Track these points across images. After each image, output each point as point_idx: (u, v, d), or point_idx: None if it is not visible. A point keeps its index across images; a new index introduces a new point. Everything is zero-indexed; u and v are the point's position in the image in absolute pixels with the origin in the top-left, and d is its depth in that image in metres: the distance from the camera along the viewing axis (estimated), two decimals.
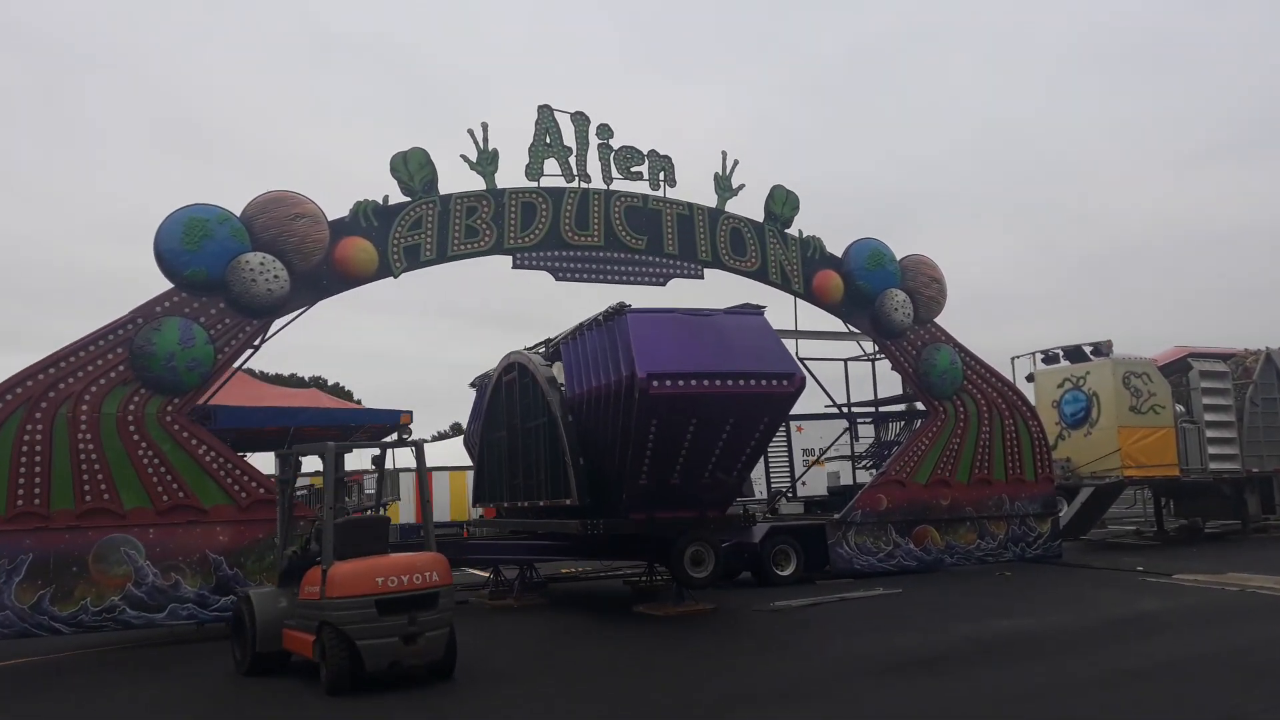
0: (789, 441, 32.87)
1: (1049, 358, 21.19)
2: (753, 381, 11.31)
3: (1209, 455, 20.27)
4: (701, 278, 15.85)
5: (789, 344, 17.82)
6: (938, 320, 17.64)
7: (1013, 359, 21.56)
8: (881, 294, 17.01)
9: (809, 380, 17.11)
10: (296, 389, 35.67)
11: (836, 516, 16.39)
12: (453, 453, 27.65)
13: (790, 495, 25.54)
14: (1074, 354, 20.72)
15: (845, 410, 19.20)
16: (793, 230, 16.67)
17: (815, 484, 26.38)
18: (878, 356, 18.19)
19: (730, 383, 11.20)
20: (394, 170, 14.00)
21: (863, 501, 16.44)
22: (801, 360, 17.01)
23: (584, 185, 15.11)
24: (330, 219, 13.54)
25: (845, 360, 19.11)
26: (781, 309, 17.03)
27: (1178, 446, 19.90)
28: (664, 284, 15.59)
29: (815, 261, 16.76)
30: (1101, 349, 20.31)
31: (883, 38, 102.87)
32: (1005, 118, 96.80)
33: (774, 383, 11.43)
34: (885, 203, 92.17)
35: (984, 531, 17.22)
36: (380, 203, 13.86)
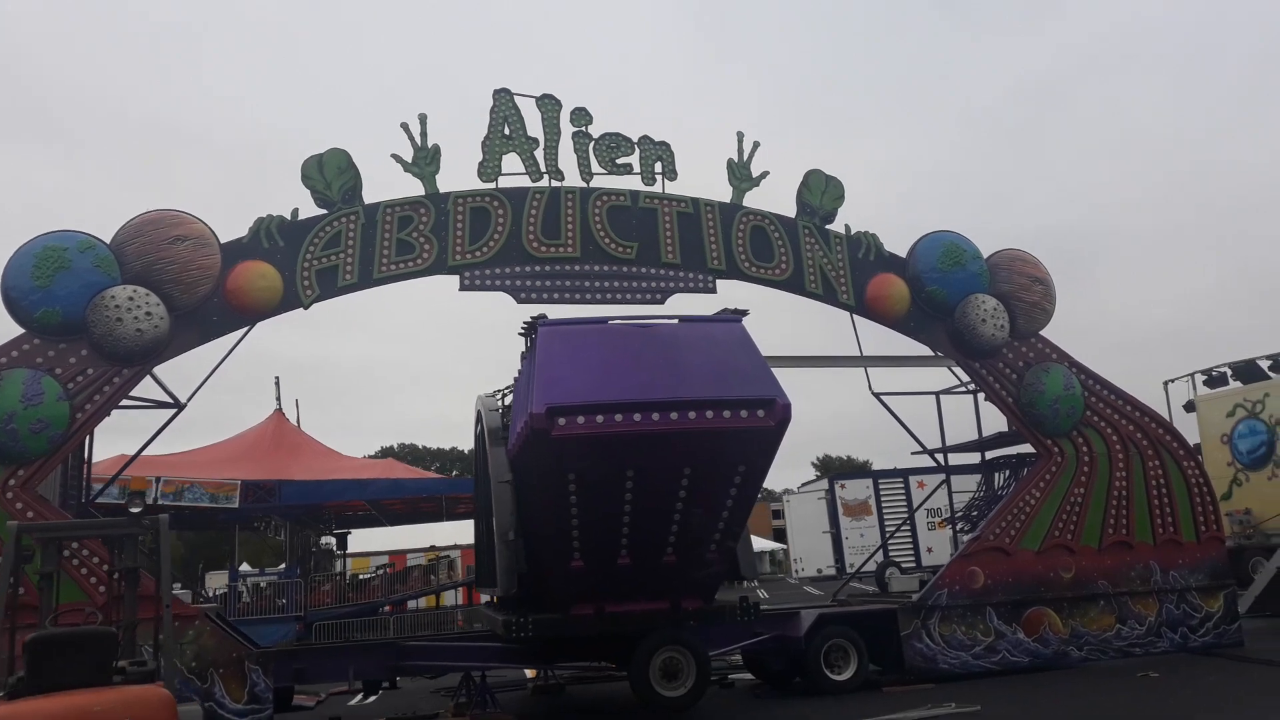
0: (908, 499, 28.51)
1: (1213, 379, 16.48)
2: (711, 413, 7.83)
3: None
4: (713, 291, 12.41)
5: (848, 373, 14.13)
6: (1044, 334, 13.48)
7: (1165, 383, 16.97)
8: (962, 301, 13.05)
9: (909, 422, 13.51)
10: (374, 460, 33.84)
11: (914, 599, 12.37)
12: None
13: (900, 568, 21.36)
14: (1247, 371, 15.95)
15: (937, 455, 15.12)
16: (836, 226, 13.02)
17: (942, 550, 22.17)
18: (973, 388, 14.12)
19: (676, 416, 7.75)
20: (306, 177, 11.33)
21: (949, 578, 12.37)
22: (877, 395, 13.33)
23: (555, 184, 12.04)
24: (226, 241, 10.96)
25: (936, 394, 15.10)
26: (835, 331, 13.35)
27: None
28: (662, 301, 12.22)
29: (869, 264, 13.02)
30: None
31: (1048, 71, 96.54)
32: (1191, 145, 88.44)
33: (743, 414, 7.90)
34: (1059, 241, 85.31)
35: (1125, 613, 12.77)
36: (288, 218, 11.20)
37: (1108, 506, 13.01)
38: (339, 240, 11.24)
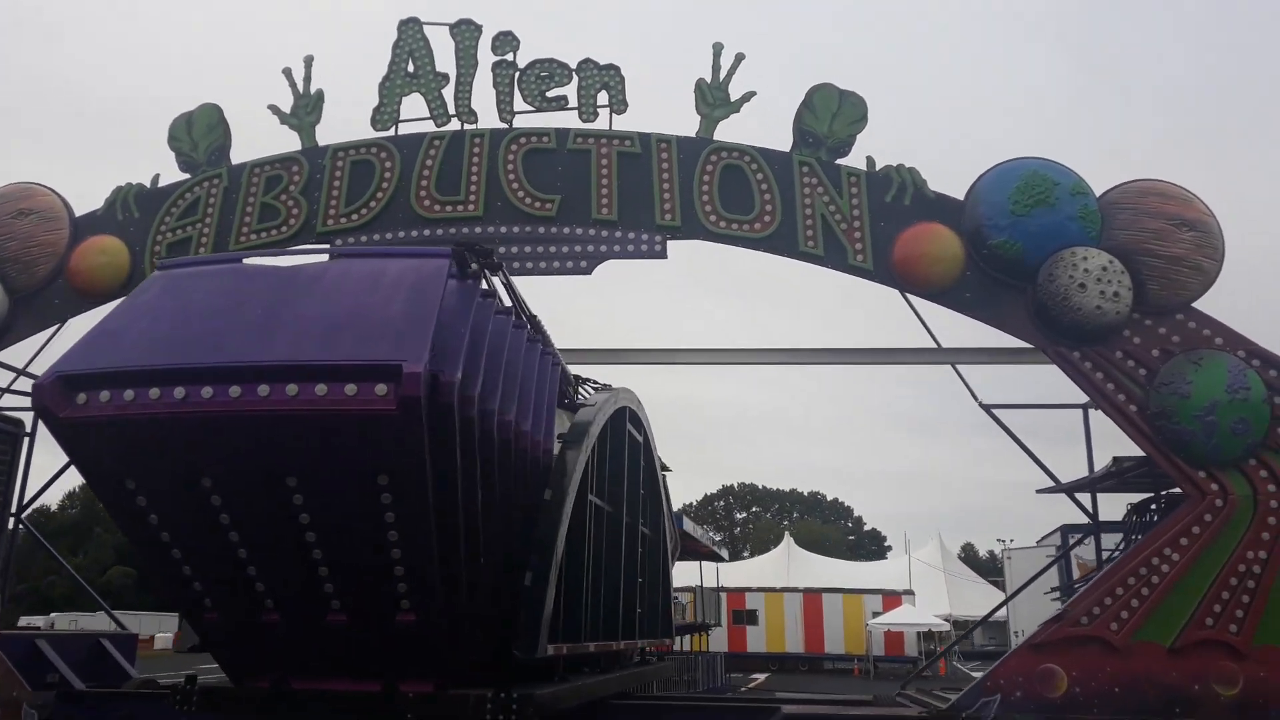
0: (1065, 547, 21.58)
1: None
2: (295, 389, 4.91)
3: None
4: (662, 255, 9.17)
5: (934, 370, 9.98)
6: (1198, 307, 8.63)
7: None
8: (1051, 259, 8.63)
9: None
10: None
11: (943, 708, 8.11)
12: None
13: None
14: None
15: (1079, 494, 10.39)
16: (854, 160, 9.23)
17: None
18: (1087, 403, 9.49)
19: (240, 392, 4.93)
20: (173, 139, 9.78)
21: (1006, 677, 7.99)
22: (987, 409, 9.51)
23: (467, 126, 9.53)
24: (80, 214, 9.65)
25: (1083, 406, 10.48)
26: (890, 313, 9.53)
27: None
28: (589, 271, 9.20)
29: (903, 211, 9.03)
30: None
31: None
32: None
33: (349, 389, 4.89)
34: None
35: None
36: (148, 186, 9.68)
37: None
38: (197, 207, 9.52)
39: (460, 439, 5.51)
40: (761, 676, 31.79)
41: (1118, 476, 9.35)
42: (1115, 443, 9.32)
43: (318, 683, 6.11)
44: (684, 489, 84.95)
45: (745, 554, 60.53)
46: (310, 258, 6.05)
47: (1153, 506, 9.57)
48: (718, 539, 72.89)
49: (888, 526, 78.45)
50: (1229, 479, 8.15)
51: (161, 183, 9.73)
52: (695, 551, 26.74)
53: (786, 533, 51.62)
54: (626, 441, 9.44)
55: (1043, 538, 22.92)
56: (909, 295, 9.14)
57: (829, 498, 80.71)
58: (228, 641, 6.11)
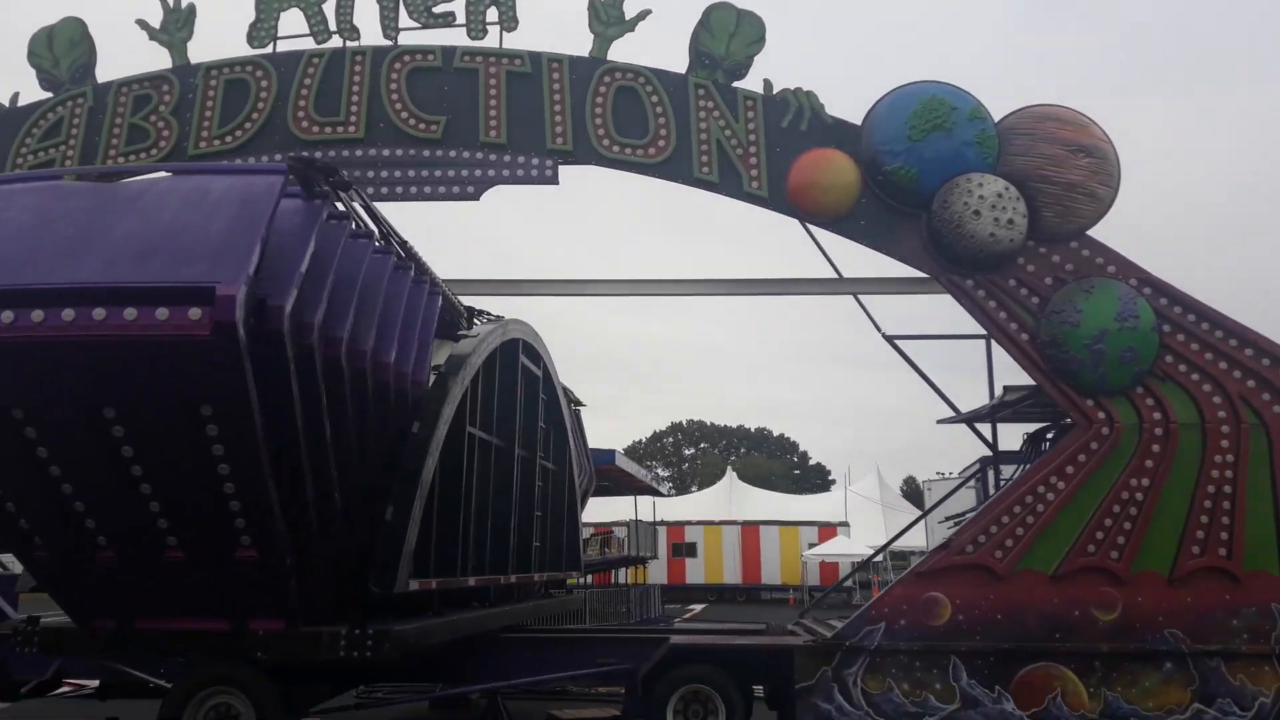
0: (983, 478, 21.86)
1: None
2: (103, 313, 4.60)
3: None
4: (553, 181, 8.85)
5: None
6: (1094, 234, 8.55)
7: None
8: (946, 186, 8.46)
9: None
10: None
11: (828, 636, 8.12)
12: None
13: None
14: None
15: (980, 425, 10.39)
16: (748, 84, 8.93)
17: None
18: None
19: (42, 317, 4.60)
20: (33, 54, 9.19)
21: (891, 605, 8.01)
22: (890, 340, 9.37)
23: (349, 44, 9.05)
24: None
25: (985, 337, 10.37)
26: (795, 247, 9.33)
27: None
28: (476, 197, 8.87)
29: (800, 136, 8.78)
30: None
31: None
32: None
33: (161, 314, 4.60)
34: None
35: (1214, 685, 7.72)
36: (6, 105, 9.12)
37: (1194, 512, 7.96)
38: (60, 129, 8.99)
39: (297, 369, 5.24)
40: (699, 607, 32.19)
41: (1011, 406, 9.32)
42: (1022, 373, 9.28)
43: (163, 622, 5.91)
44: (634, 427, 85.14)
45: (694, 489, 60.95)
46: (137, 175, 5.66)
47: (1048, 436, 9.58)
48: (665, 475, 73.21)
49: (833, 461, 79.35)
50: (1115, 407, 8.14)
51: (21, 102, 9.16)
52: (631, 486, 26.81)
53: (729, 468, 52.02)
54: (520, 374, 9.21)
55: (964, 469, 23.22)
56: (809, 225, 8.95)
57: (775, 433, 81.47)
58: (64, 580, 5.85)
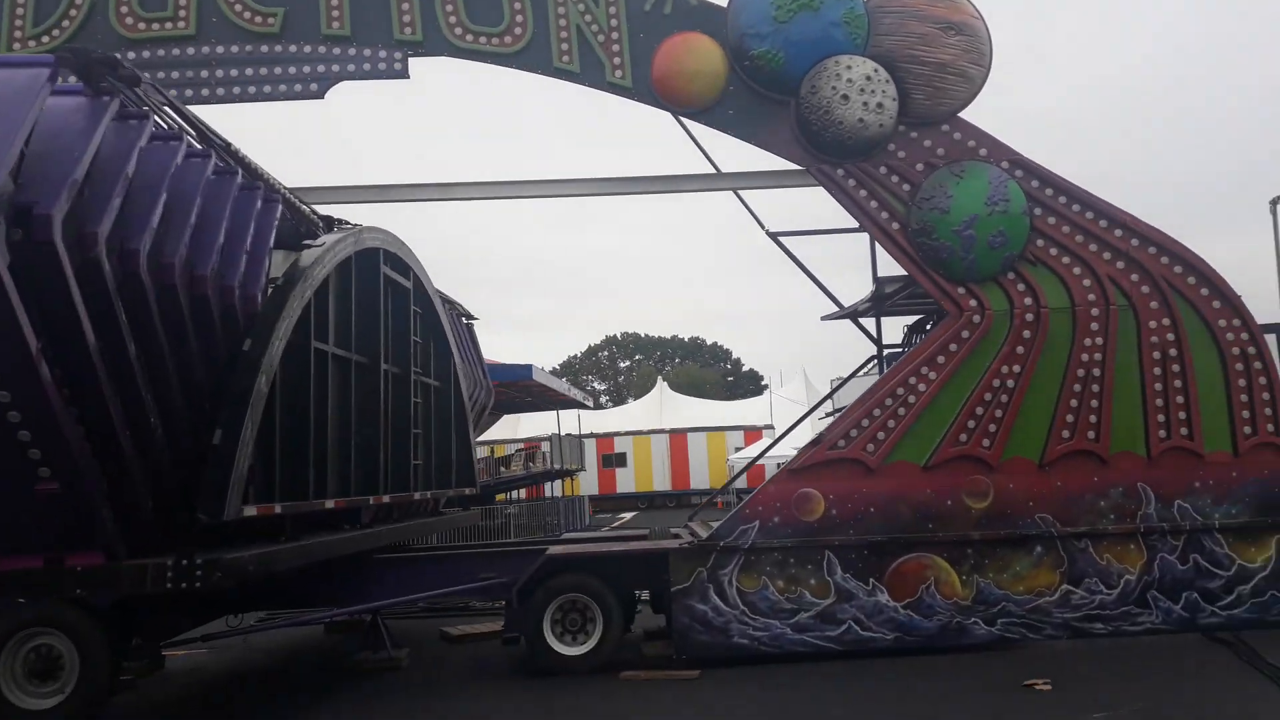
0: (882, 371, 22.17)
1: None
2: None
3: None
4: (403, 75, 8.30)
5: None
6: (965, 117, 8.30)
7: (1274, 202, 10.91)
8: (814, 69, 8.11)
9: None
10: None
11: (704, 536, 8.03)
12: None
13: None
14: None
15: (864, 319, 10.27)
16: None
17: None
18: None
19: None
20: None
21: (763, 503, 7.91)
22: (774, 236, 9.07)
23: None
24: None
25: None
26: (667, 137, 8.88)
27: None
28: (321, 95, 8.30)
29: (663, 20, 8.32)
30: None
31: None
32: None
33: None
34: None
35: (1082, 566, 7.82)
36: None
37: (1064, 396, 7.95)
38: None
39: (81, 284, 4.79)
40: (628, 515, 32.50)
41: (889, 298, 9.18)
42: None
43: None
44: (569, 341, 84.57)
45: (630, 400, 61.09)
46: None
47: (927, 327, 9.49)
48: (601, 389, 72.97)
49: (765, 367, 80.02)
50: (986, 294, 8.03)
51: None
52: (555, 400, 26.64)
53: (660, 378, 52.14)
54: (382, 286, 8.76)
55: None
56: (681, 118, 8.56)
57: (709, 342, 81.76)
58: None
